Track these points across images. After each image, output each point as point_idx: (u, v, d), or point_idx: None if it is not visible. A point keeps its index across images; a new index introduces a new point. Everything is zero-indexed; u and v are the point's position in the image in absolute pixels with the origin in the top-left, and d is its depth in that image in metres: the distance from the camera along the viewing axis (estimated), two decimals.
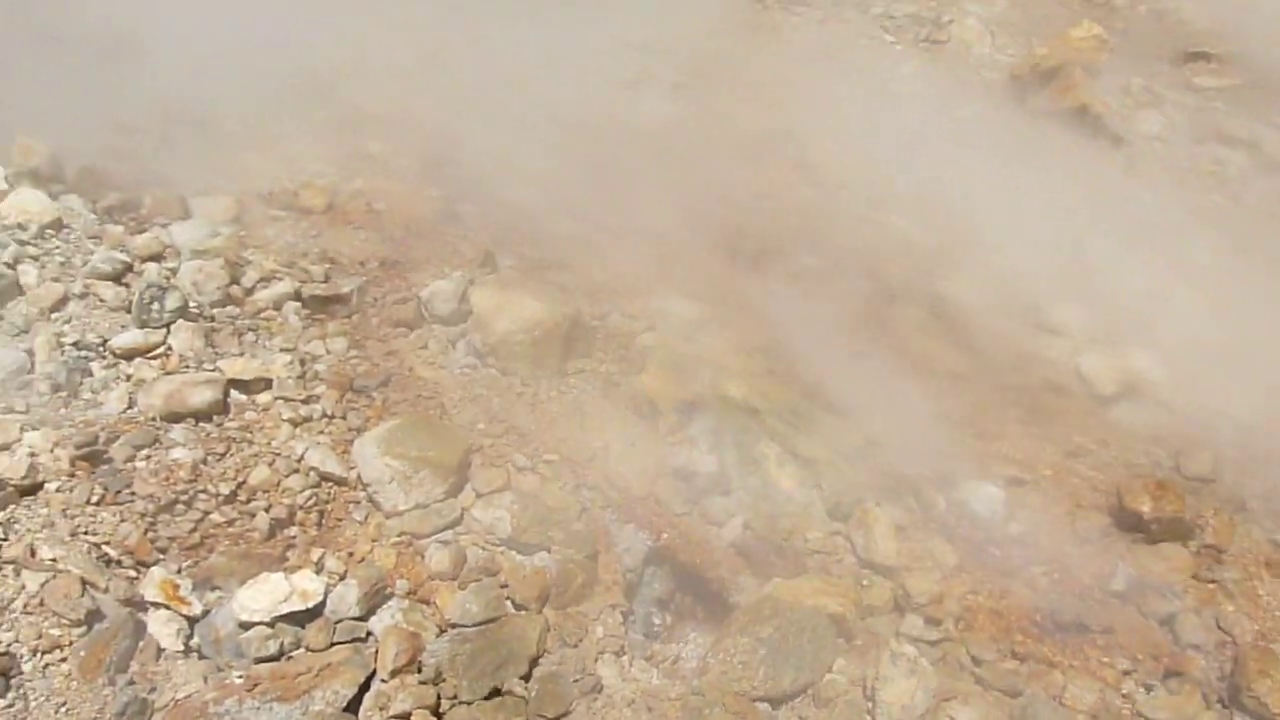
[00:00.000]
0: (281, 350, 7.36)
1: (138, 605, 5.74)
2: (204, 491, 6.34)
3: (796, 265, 9.88)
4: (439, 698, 5.68)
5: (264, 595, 5.82)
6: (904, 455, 8.04)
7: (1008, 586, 7.32)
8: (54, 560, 5.62)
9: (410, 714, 5.54)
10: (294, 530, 6.42)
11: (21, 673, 5.22)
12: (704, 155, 11.32)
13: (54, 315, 7.04)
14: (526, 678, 5.98)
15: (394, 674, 5.70)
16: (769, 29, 13.86)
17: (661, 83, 12.27)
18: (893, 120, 12.19)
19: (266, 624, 5.76)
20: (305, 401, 7.02)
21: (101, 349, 6.94)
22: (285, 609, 5.82)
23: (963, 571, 7.38)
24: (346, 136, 10.10)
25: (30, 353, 6.74)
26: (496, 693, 5.82)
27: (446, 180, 9.75)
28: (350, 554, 6.32)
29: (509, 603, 6.28)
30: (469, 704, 5.74)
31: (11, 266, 7.17)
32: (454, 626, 6.02)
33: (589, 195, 10.05)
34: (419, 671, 5.76)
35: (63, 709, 5.19)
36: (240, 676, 5.57)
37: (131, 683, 5.43)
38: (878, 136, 11.76)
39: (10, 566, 5.52)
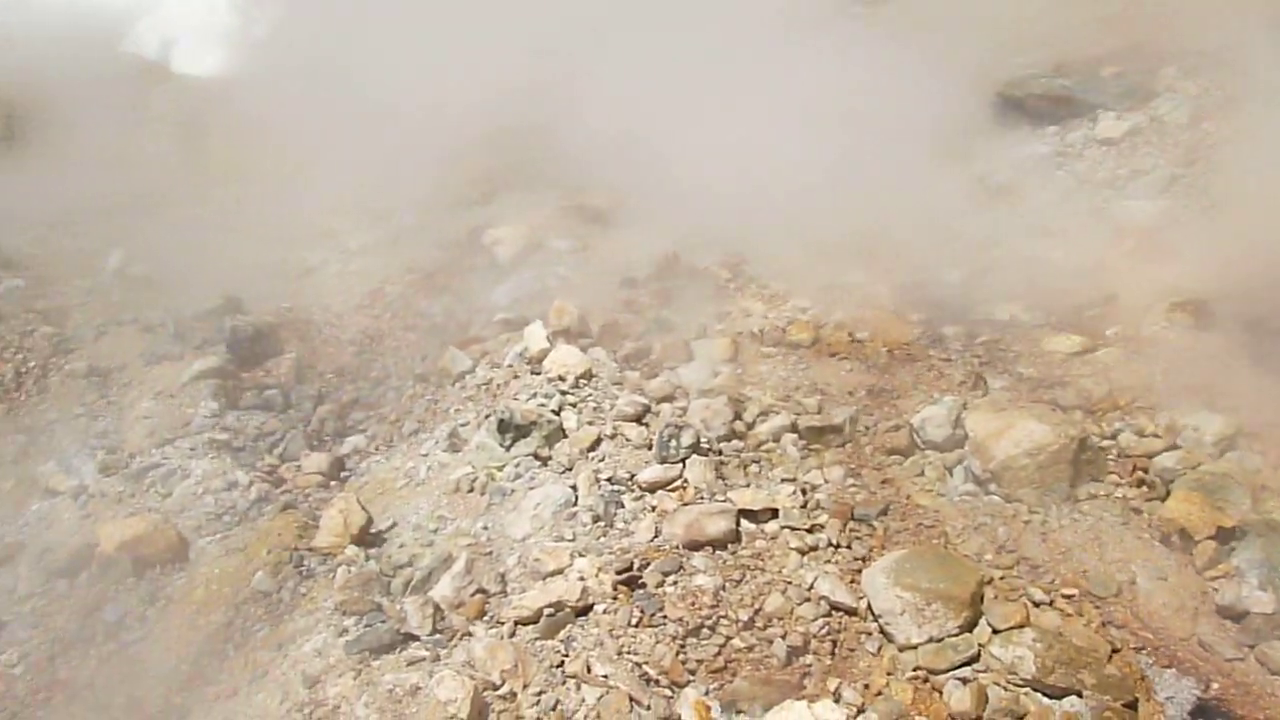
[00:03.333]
0: (783, 480, 7.69)
1: None
2: (725, 617, 6.71)
3: None
4: None
5: None
6: None
7: None
8: (605, 677, 6.23)
9: None
10: (809, 658, 6.53)
11: None
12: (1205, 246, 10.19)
13: (591, 454, 8.02)
14: None
15: None
16: None
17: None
18: None
19: None
20: (810, 530, 7.23)
21: (630, 483, 7.74)
22: None
23: None
24: (825, 270, 10.53)
25: (574, 488, 7.71)
26: None
27: (926, 304, 9.77)
28: (866, 686, 6.28)
29: None
30: None
31: (557, 414, 8.33)
32: None
33: (1079, 305, 9.47)
34: None
35: None
36: None
37: None
38: None
39: (572, 681, 6.22)
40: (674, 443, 7.81)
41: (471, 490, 7.93)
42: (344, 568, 7.28)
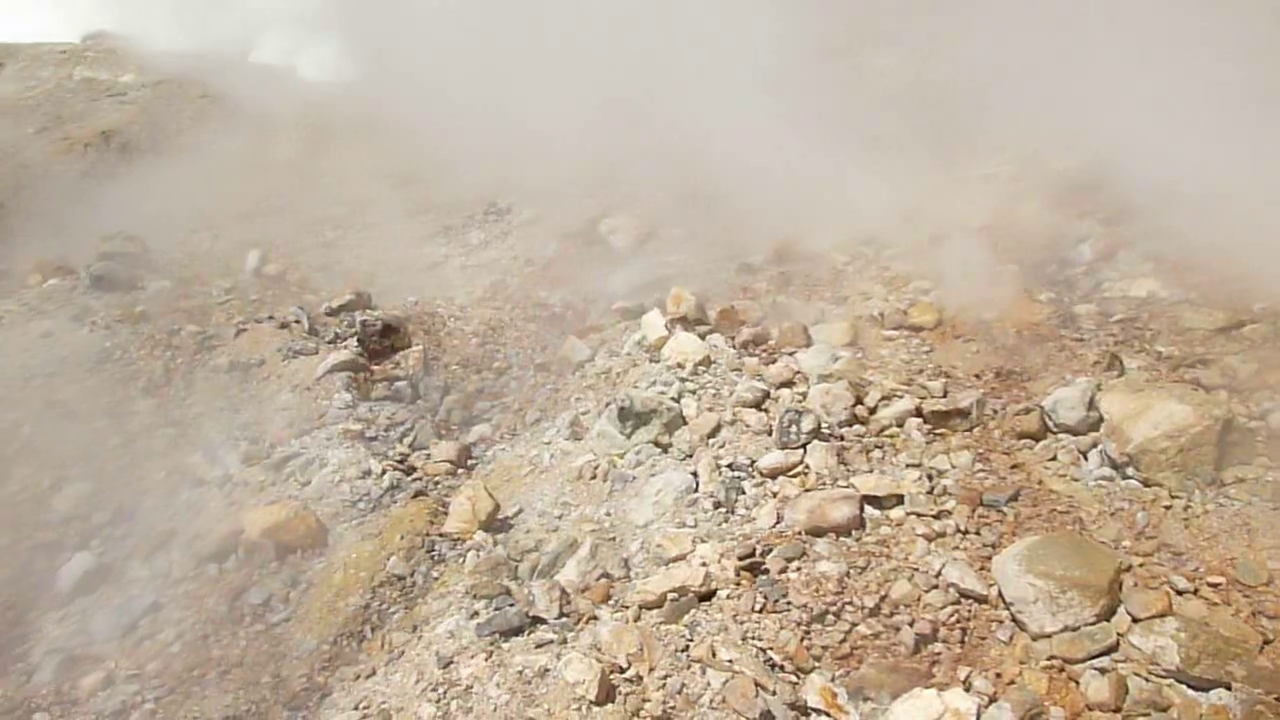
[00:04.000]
0: (908, 466, 7.56)
1: (801, 710, 6.09)
2: (850, 604, 6.64)
3: None
4: None
5: (918, 711, 5.84)
6: None
7: None
8: (730, 662, 6.25)
9: None
10: (938, 646, 6.41)
11: None
12: None
13: (711, 441, 8.05)
14: None
15: None
16: None
17: None
18: None
19: None
20: (937, 517, 7.09)
21: (750, 469, 7.73)
22: None
23: None
24: (947, 250, 10.27)
25: (695, 474, 7.74)
26: None
27: (1057, 282, 9.43)
28: (998, 675, 6.13)
29: None
30: None
31: (676, 401, 8.38)
32: None
33: (1222, 279, 8.97)
34: None
35: None
36: None
37: None
38: None
39: (697, 665, 6.25)
40: (794, 428, 7.76)
41: (594, 477, 8.05)
42: (473, 553, 7.51)
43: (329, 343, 10.83)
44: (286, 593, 7.86)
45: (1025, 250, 9.97)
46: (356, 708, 6.52)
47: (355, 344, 10.67)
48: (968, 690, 6.02)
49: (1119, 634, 6.11)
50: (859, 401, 8.12)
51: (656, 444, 8.10)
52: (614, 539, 7.40)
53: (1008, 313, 9.06)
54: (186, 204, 14.25)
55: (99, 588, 8.32)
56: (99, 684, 7.41)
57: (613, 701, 6.00)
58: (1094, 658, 6.03)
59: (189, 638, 7.70)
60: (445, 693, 6.35)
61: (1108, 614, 6.20)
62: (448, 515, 8.03)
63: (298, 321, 11.13)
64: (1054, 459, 7.53)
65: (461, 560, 7.56)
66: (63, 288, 11.67)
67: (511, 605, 6.86)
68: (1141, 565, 6.55)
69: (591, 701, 5.93)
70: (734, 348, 9.09)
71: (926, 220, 10.84)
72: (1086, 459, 7.47)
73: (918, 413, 7.99)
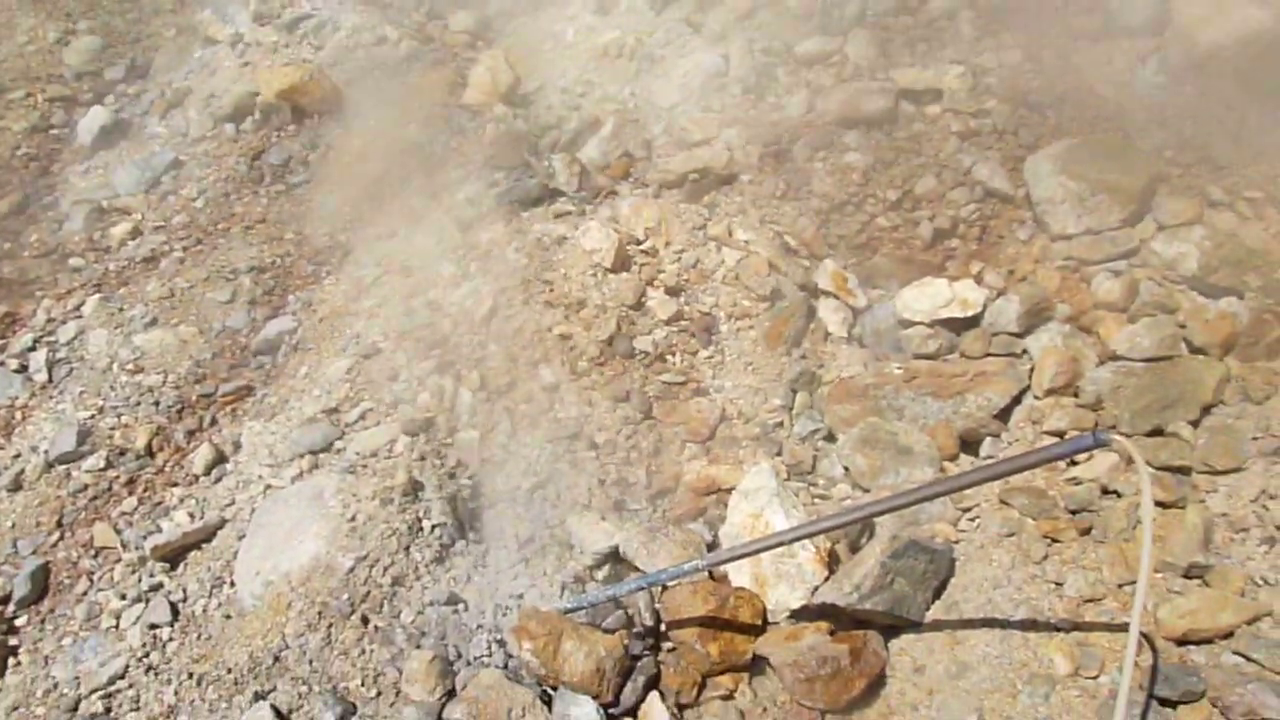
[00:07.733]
0: (953, 61, 7.13)
1: (811, 291, 6.23)
2: (872, 196, 6.57)
3: None
4: (1096, 424, 5.45)
5: (925, 298, 5.97)
6: None
7: None
8: (747, 242, 6.28)
9: (1065, 432, 5.40)
10: (955, 242, 6.42)
11: (720, 332, 6.04)
12: None
13: (746, 22, 7.55)
14: (1195, 424, 5.44)
15: (1049, 393, 5.56)
16: None
17: None
18: None
19: (926, 325, 5.93)
20: (975, 115, 6.80)
21: (785, 55, 7.33)
22: (944, 314, 5.92)
23: None
24: None
25: (726, 58, 7.35)
26: (1159, 432, 5.40)
27: None
28: (1011, 271, 6.17)
29: (1184, 344, 5.68)
30: (1128, 436, 5.42)
31: None
32: (1118, 358, 5.64)
33: None
34: (1076, 395, 5.56)
35: (749, 367, 5.92)
36: (899, 368, 5.85)
37: (804, 357, 6.00)
38: None
39: (714, 243, 6.29)
40: (838, 12, 7.25)
41: (620, 55, 7.65)
42: (493, 125, 7.32)
43: None
44: (305, 155, 7.77)
45: None
46: (378, 264, 6.66)
47: None
48: (979, 283, 6.09)
49: (1141, 240, 6.06)
50: None
51: (688, 23, 7.62)
52: (637, 119, 7.18)
53: None
54: None
55: (119, 143, 8.23)
56: (127, 234, 7.52)
57: (627, 270, 6.11)
58: (1111, 260, 6.03)
59: (211, 194, 7.72)
60: (464, 255, 6.45)
61: (1135, 220, 6.12)
62: (466, 87, 7.74)
63: None
64: (1110, 63, 7.05)
65: (480, 132, 7.38)
66: None
67: (531, 177, 6.80)
68: (1180, 176, 6.34)
69: (607, 269, 6.04)
70: None
71: None
72: (1146, 65, 7.00)
73: (971, 5, 7.40)
